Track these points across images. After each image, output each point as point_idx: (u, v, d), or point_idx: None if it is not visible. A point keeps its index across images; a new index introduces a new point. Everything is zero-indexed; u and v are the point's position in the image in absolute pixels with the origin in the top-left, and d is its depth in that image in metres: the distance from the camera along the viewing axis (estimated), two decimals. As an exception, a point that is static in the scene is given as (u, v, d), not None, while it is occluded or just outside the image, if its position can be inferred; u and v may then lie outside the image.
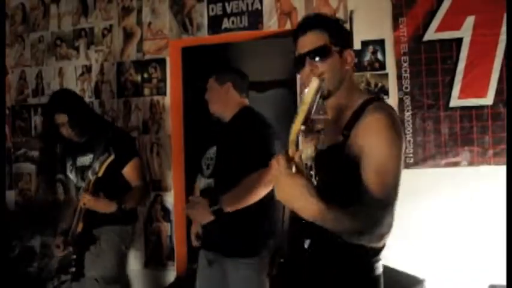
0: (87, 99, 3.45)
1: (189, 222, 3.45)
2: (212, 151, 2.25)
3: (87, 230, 2.40)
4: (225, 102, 2.26)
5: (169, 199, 3.32)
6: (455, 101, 2.76)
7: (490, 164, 2.71)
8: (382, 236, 1.25)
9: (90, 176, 2.24)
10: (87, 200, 2.27)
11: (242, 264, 2.06)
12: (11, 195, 3.67)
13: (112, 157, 2.20)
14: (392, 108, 1.38)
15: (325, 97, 1.35)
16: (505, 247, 1.73)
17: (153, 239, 3.35)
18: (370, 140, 1.27)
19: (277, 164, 1.17)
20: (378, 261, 1.36)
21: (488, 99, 2.71)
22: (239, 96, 2.29)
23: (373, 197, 1.22)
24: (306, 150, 1.30)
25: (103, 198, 2.30)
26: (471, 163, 2.74)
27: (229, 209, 2.01)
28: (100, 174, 2.22)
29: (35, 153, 3.66)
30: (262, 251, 2.04)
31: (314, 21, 1.41)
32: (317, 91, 1.19)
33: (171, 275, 3.29)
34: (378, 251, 1.35)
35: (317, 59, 1.36)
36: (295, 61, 1.41)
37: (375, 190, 1.23)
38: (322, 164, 1.31)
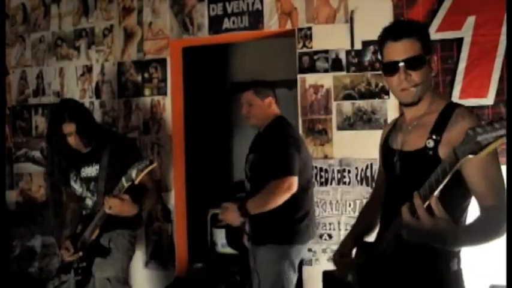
0: (87, 100, 3.46)
1: (190, 223, 3.48)
2: (250, 157, 2.48)
3: (99, 237, 2.40)
4: (266, 115, 2.46)
5: (170, 199, 3.33)
6: (456, 101, 2.74)
7: (490, 164, 2.70)
8: (504, 232, 1.28)
9: (124, 182, 2.17)
10: (113, 205, 2.23)
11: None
12: (11, 195, 3.68)
13: (153, 165, 2.15)
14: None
15: (415, 103, 1.42)
16: (505, 247, 1.73)
17: (154, 239, 3.35)
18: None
19: (410, 212, 1.18)
20: (457, 256, 1.42)
21: (489, 99, 2.70)
22: (276, 108, 2.50)
23: (491, 205, 1.28)
24: None
25: (127, 201, 2.26)
26: (472, 163, 2.73)
27: (253, 212, 2.24)
28: (137, 182, 2.17)
29: (36, 153, 3.66)
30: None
31: (408, 28, 1.41)
32: None
33: (171, 275, 3.30)
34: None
35: (412, 68, 1.38)
36: (386, 66, 1.43)
37: (491, 198, 1.29)
38: (408, 167, 1.34)
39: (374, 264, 1.47)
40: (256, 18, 3.14)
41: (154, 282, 3.33)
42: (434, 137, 1.34)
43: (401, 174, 1.42)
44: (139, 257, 3.34)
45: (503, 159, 2.57)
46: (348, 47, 2.93)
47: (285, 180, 2.24)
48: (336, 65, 2.97)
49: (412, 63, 1.38)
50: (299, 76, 3.06)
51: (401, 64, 1.38)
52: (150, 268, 3.37)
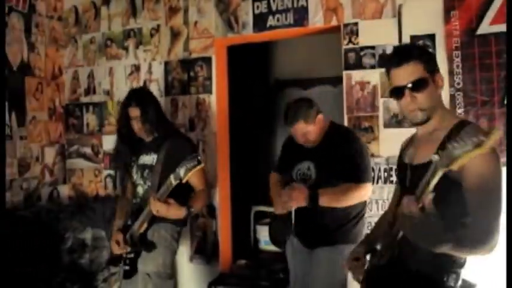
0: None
1: (234, 220, 3.50)
2: (305, 166, 2.41)
3: (146, 230, 2.46)
4: (320, 131, 2.41)
5: (215, 196, 3.36)
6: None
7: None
8: (492, 248, 1.32)
9: (172, 180, 2.22)
10: (159, 207, 2.28)
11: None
12: (64, 190, 3.84)
13: (201, 166, 2.18)
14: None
15: (424, 122, 1.50)
16: (505, 248, 1.63)
17: (199, 234, 3.40)
18: (475, 163, 1.30)
19: (409, 206, 1.25)
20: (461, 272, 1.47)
21: (547, 95, 2.56)
22: (324, 118, 2.44)
23: (479, 219, 1.32)
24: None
25: (174, 204, 2.31)
26: (529, 162, 2.60)
27: (322, 203, 2.23)
28: (184, 181, 2.21)
29: (87, 150, 3.80)
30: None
31: (408, 53, 1.49)
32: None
33: (215, 271, 3.34)
34: (462, 263, 1.46)
35: (416, 91, 1.46)
36: (393, 92, 1.53)
37: (482, 213, 1.32)
38: (415, 180, 1.37)
39: (379, 269, 1.57)
40: (301, 14, 3.12)
41: (199, 277, 3.38)
42: (440, 152, 1.34)
43: (410, 187, 1.45)
44: (184, 252, 3.40)
45: (503, 160, 2.45)
46: (396, 43, 2.85)
47: (365, 186, 2.29)
48: (383, 61, 2.90)
49: (416, 86, 1.46)
50: (345, 73, 3.01)
51: (405, 88, 1.47)
52: (195, 263, 3.42)
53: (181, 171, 2.17)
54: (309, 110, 2.36)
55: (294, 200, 2.25)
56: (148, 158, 2.54)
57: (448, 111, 1.58)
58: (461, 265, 1.46)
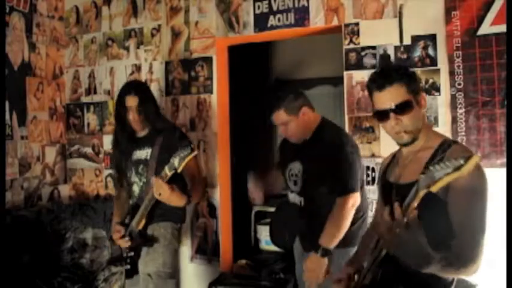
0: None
1: (235, 219, 3.51)
2: (296, 167, 2.31)
3: (145, 226, 2.43)
4: (306, 126, 2.28)
5: (216, 195, 3.36)
6: (512, 98, 2.63)
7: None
8: (477, 269, 1.33)
9: (167, 170, 2.16)
10: (163, 191, 2.19)
11: None
12: (65, 189, 3.84)
13: (194, 153, 2.13)
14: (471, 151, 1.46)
15: (410, 143, 1.50)
16: (505, 248, 1.64)
17: (199, 234, 3.41)
18: (459, 183, 1.29)
19: (390, 219, 1.26)
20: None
21: (548, 96, 2.55)
22: (313, 113, 2.31)
23: (462, 242, 1.31)
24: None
25: (176, 190, 2.24)
26: (529, 163, 2.60)
27: (332, 246, 2.10)
28: (179, 171, 2.15)
29: (88, 150, 3.80)
30: None
31: (390, 76, 1.48)
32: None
33: (216, 271, 3.34)
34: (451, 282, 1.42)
35: (401, 114, 1.46)
36: (377, 114, 1.51)
37: (464, 235, 1.31)
38: (401, 198, 1.35)
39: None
40: (302, 15, 3.12)
41: (199, 276, 3.38)
42: (426, 171, 1.34)
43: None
44: (185, 252, 3.41)
45: (503, 161, 2.46)
46: (397, 43, 2.86)
47: (349, 197, 2.13)
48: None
49: (400, 109, 1.45)
50: (346, 73, 3.01)
51: (390, 111, 1.46)
52: (196, 263, 3.42)
53: (176, 160, 2.13)
54: (293, 100, 2.23)
55: (321, 275, 2.12)
56: (142, 153, 2.50)
57: (432, 130, 1.58)
58: (448, 286, 1.43)
